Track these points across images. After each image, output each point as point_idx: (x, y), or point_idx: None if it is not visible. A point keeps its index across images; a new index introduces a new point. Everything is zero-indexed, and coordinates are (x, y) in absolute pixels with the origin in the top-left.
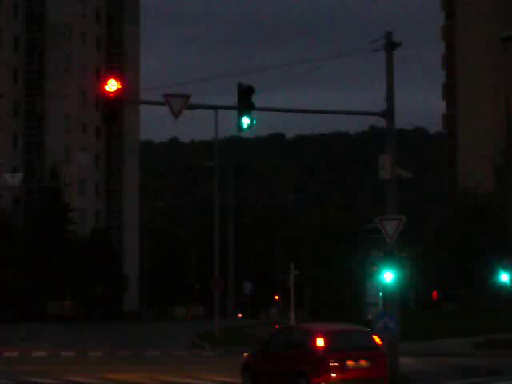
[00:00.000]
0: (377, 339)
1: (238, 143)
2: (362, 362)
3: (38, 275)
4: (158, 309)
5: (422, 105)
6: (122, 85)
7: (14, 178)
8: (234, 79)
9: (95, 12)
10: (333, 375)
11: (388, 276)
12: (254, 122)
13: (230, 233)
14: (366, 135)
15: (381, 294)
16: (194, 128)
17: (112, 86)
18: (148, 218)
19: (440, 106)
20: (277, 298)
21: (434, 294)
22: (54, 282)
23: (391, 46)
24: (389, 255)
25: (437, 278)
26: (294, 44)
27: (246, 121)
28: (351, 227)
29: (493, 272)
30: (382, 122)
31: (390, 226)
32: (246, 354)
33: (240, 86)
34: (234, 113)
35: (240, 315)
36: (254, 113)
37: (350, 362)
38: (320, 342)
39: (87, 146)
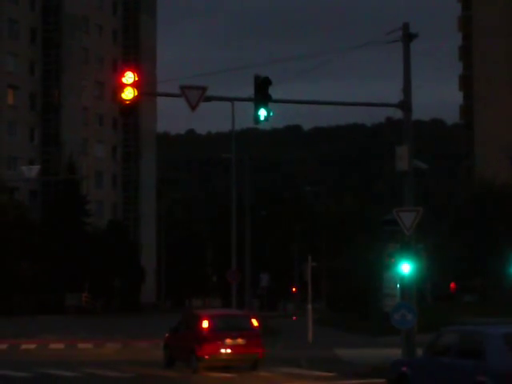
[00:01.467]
0: (254, 322)
1: (255, 135)
2: (239, 340)
3: (56, 267)
4: (175, 301)
5: (439, 96)
6: (138, 77)
7: (31, 171)
8: (251, 71)
9: (112, 4)
10: (214, 351)
11: (405, 267)
12: (271, 114)
13: (247, 225)
14: (382, 127)
15: (398, 285)
16: (211, 120)
17: (129, 78)
18: (165, 209)
19: (457, 96)
20: (294, 289)
21: (452, 285)
22: (71, 275)
23: (408, 37)
24: (406, 247)
25: (454, 270)
26: (310, 36)
27: (262, 113)
28: (368, 219)
29: (510, 263)
30: (398, 114)
31: (408, 218)
32: (166, 334)
33: (257, 77)
34: (251, 105)
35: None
36: (270, 105)
37: (228, 340)
38: (205, 323)
39: (104, 138)
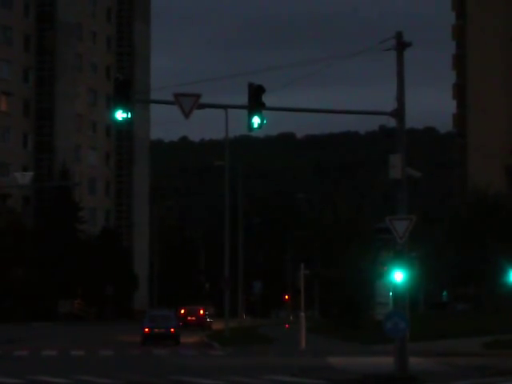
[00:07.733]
0: None
1: (249, 143)
2: None
3: (49, 274)
4: (168, 308)
5: (432, 104)
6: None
7: (24, 177)
8: (245, 79)
9: (106, 11)
10: None
11: (398, 276)
12: (265, 122)
13: (240, 232)
14: (376, 135)
15: (391, 293)
16: (204, 127)
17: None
18: (158, 217)
19: (451, 105)
20: (287, 297)
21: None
22: (64, 282)
23: (402, 45)
24: (399, 255)
25: (447, 278)
26: (304, 44)
27: (256, 120)
28: (362, 227)
29: (503, 272)
30: (392, 122)
31: (401, 226)
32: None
33: (250, 85)
34: (245, 112)
35: (243, 317)
36: (264, 112)
37: None
38: None
39: (97, 145)
